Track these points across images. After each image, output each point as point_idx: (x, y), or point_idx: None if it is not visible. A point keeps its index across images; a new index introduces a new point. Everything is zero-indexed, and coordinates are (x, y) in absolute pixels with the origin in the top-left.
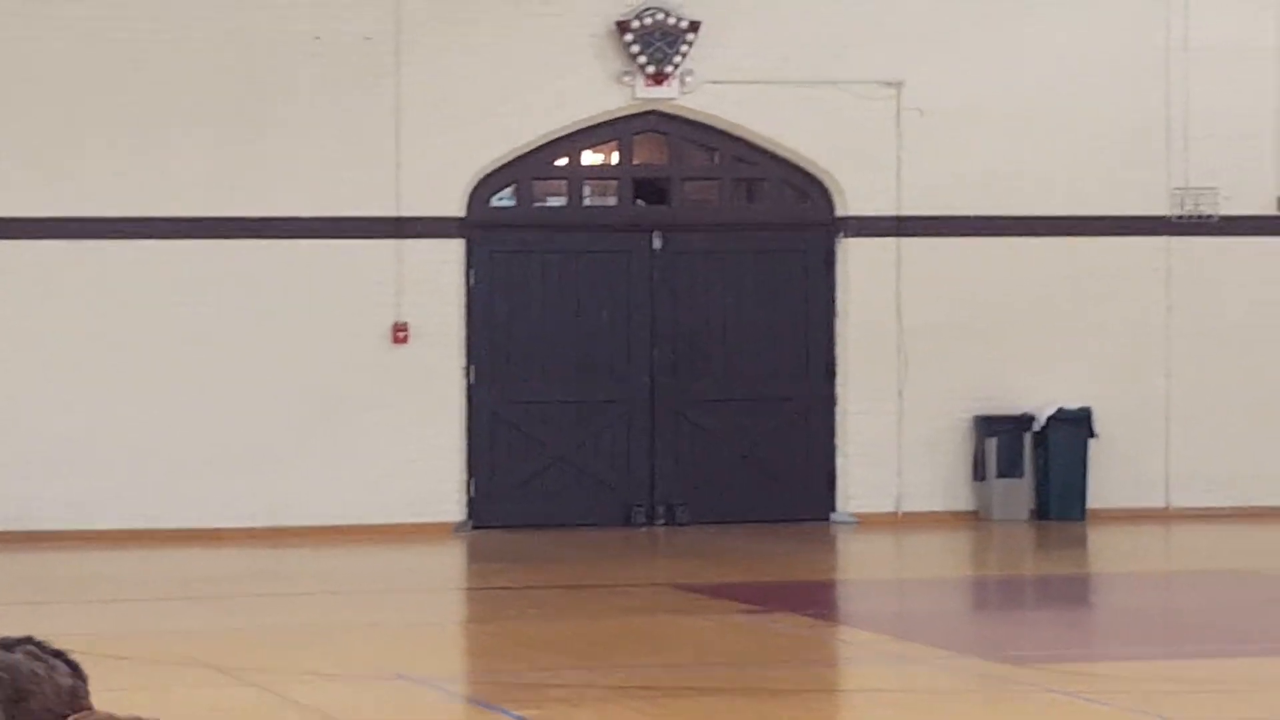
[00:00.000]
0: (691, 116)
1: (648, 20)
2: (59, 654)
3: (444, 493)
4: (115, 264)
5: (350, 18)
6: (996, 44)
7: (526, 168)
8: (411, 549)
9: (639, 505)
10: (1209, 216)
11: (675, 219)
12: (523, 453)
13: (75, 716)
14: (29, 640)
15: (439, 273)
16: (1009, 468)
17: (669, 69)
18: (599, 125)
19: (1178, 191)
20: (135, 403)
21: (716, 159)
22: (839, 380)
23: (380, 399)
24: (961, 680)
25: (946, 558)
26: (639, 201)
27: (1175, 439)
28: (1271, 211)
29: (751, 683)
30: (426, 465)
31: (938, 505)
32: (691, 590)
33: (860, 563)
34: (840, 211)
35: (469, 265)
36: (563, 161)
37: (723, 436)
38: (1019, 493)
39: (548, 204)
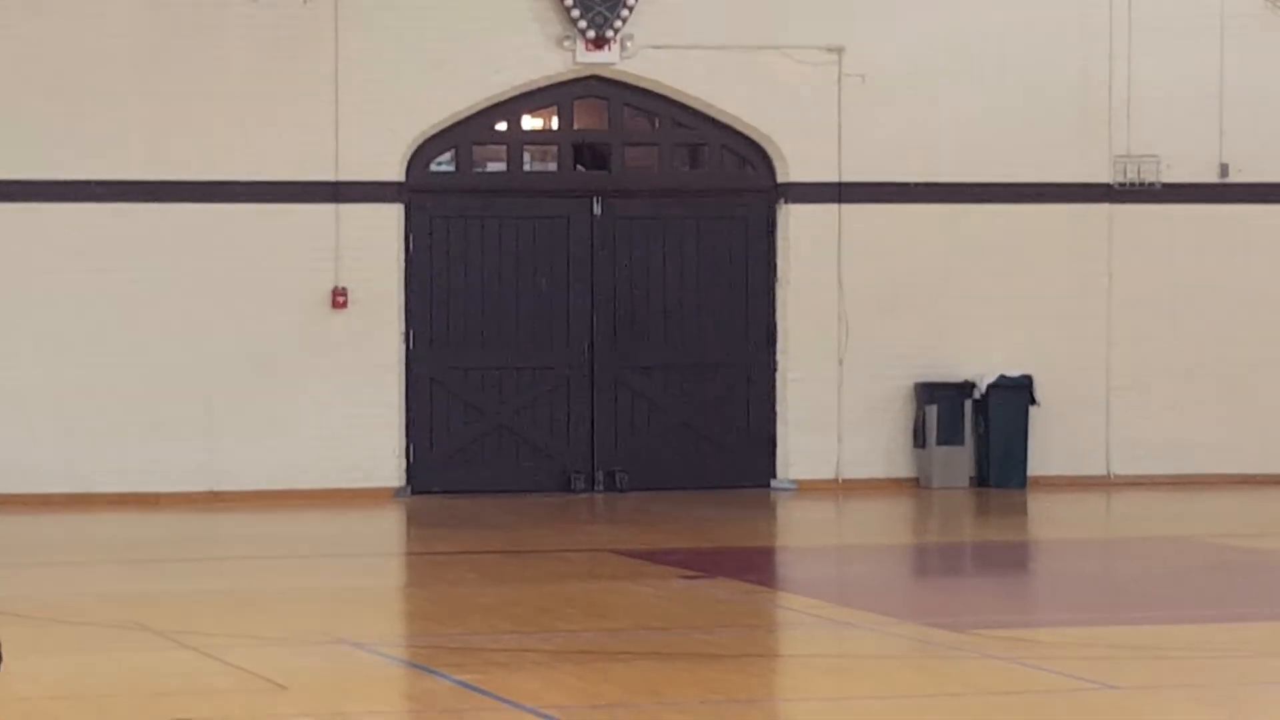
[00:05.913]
0: (632, 81)
1: None
2: None
3: (382, 458)
4: (50, 228)
5: None
6: (939, 9)
7: (466, 132)
8: (350, 514)
9: (579, 471)
10: (1151, 184)
11: (616, 184)
12: (461, 419)
13: None
14: None
15: (377, 237)
16: (949, 435)
17: (609, 33)
18: (539, 90)
19: (1120, 159)
20: (71, 366)
21: (657, 124)
22: (779, 347)
23: (319, 364)
24: (900, 646)
25: (886, 524)
26: (579, 167)
27: (1116, 407)
28: (1213, 179)
29: (690, 647)
30: (365, 430)
31: (878, 472)
32: (631, 556)
33: (800, 529)
34: (781, 178)
35: (408, 230)
36: (502, 126)
37: (663, 403)
38: (959, 460)
39: (487, 169)
